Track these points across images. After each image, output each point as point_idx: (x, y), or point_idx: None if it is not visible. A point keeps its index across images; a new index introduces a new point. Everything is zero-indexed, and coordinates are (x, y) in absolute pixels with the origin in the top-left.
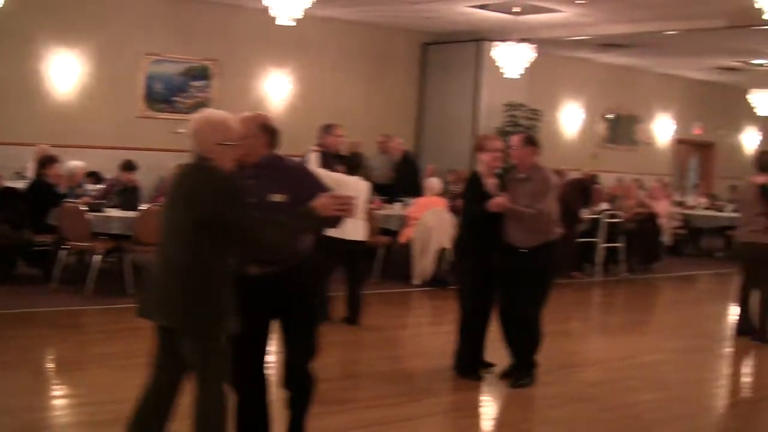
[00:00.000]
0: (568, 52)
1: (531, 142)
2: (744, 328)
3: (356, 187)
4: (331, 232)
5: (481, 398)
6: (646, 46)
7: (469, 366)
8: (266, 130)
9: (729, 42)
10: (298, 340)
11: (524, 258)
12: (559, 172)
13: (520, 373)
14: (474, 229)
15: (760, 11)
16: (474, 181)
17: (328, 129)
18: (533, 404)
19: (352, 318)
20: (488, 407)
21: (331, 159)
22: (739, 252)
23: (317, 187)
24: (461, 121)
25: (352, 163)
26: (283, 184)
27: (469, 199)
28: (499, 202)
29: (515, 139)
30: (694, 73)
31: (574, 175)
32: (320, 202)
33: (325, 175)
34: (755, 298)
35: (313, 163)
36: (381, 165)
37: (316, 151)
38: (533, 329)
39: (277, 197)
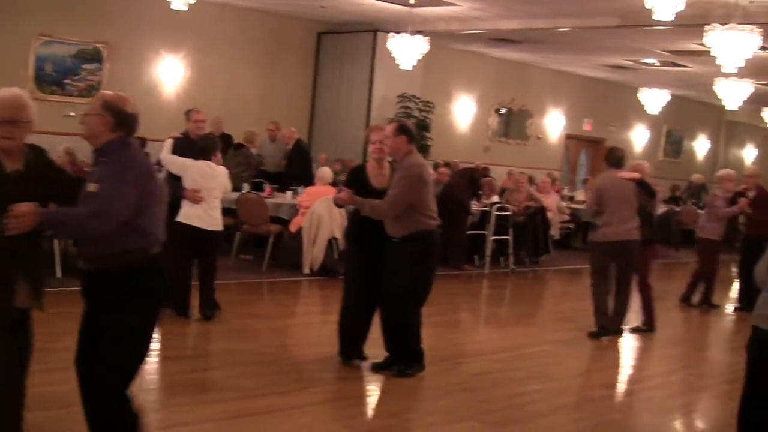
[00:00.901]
0: (462, 45)
1: (403, 130)
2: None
3: (207, 173)
4: (183, 220)
5: (368, 387)
6: (539, 42)
7: (345, 353)
8: (110, 110)
9: (620, 41)
10: (100, 357)
11: (396, 247)
12: (450, 165)
13: (402, 363)
14: (357, 219)
15: (650, 12)
16: (355, 172)
17: (187, 114)
18: (419, 394)
19: (208, 312)
20: (374, 396)
21: (189, 144)
22: (613, 249)
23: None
24: (354, 111)
25: (205, 146)
26: (104, 173)
27: (349, 189)
28: (341, 196)
29: (388, 129)
30: (586, 70)
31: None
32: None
33: (173, 162)
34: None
35: (167, 150)
36: (271, 153)
37: (173, 137)
38: (406, 319)
39: (92, 187)
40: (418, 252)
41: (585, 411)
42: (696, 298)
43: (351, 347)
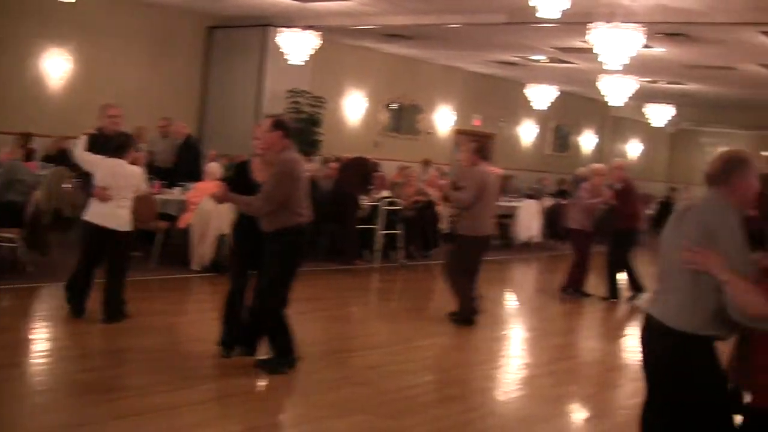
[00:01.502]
0: (353, 40)
1: (279, 126)
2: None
3: (118, 172)
4: (88, 218)
5: (257, 383)
6: (429, 38)
7: (226, 344)
8: None
9: (508, 37)
10: None
11: (268, 243)
12: (340, 160)
13: (274, 359)
14: (240, 214)
15: (534, 9)
16: (239, 167)
17: (101, 110)
18: (309, 388)
19: (110, 315)
20: (263, 392)
21: (104, 141)
22: (485, 242)
23: None
24: (245, 106)
25: (119, 144)
26: None
27: (233, 184)
28: (216, 193)
29: (264, 124)
30: (476, 66)
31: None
32: None
33: (85, 159)
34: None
35: (81, 146)
36: (162, 149)
37: (87, 133)
38: (272, 314)
39: None
40: (288, 246)
41: (474, 401)
42: (573, 288)
43: (231, 338)
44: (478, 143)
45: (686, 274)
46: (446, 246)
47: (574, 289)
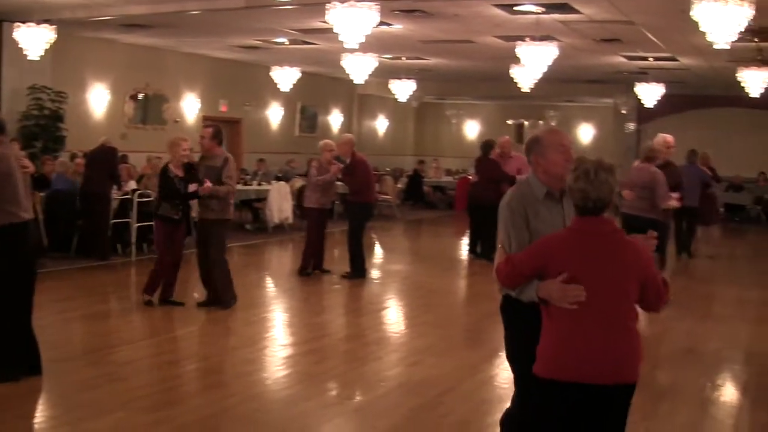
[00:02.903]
0: (92, 33)
1: None
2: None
3: None
4: None
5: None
6: (170, 27)
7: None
8: None
9: (249, 22)
10: None
11: None
12: (86, 155)
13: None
14: None
15: None
16: None
17: None
18: (66, 389)
19: None
20: (15, 400)
21: None
22: None
23: None
24: None
25: None
26: None
27: None
28: None
29: None
30: (219, 52)
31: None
32: None
33: None
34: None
35: None
36: None
37: None
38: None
39: None
40: (7, 245)
41: (236, 386)
42: (313, 266)
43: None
44: (215, 128)
45: None
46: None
47: (314, 267)
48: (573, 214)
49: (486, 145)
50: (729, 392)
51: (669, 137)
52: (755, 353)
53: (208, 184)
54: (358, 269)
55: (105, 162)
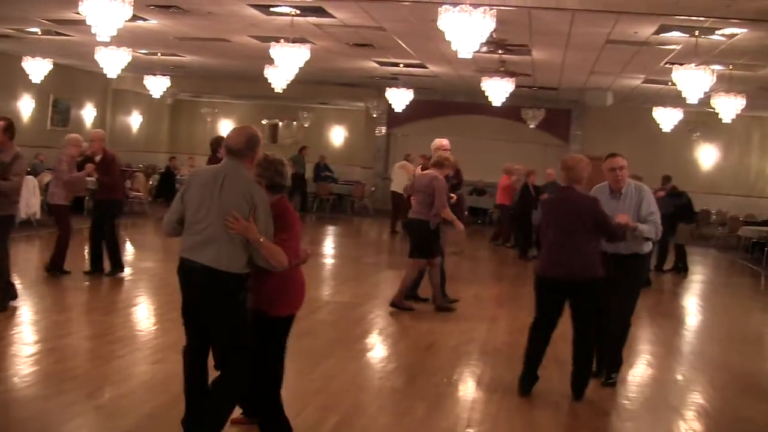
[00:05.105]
0: None
1: None
2: None
3: None
4: None
5: None
6: None
7: None
8: None
9: (1, 9)
10: None
11: None
12: None
13: None
14: None
15: None
16: None
17: None
18: None
19: None
20: None
21: None
22: None
23: None
24: None
25: None
26: None
27: None
28: None
29: None
30: None
31: None
32: None
33: None
34: None
35: None
36: None
37: None
38: None
39: None
40: None
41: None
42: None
43: None
44: (7, 121)
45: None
46: None
47: (62, 265)
48: None
49: (215, 143)
50: (464, 387)
51: (444, 141)
52: (489, 350)
53: None
54: (116, 264)
55: None
